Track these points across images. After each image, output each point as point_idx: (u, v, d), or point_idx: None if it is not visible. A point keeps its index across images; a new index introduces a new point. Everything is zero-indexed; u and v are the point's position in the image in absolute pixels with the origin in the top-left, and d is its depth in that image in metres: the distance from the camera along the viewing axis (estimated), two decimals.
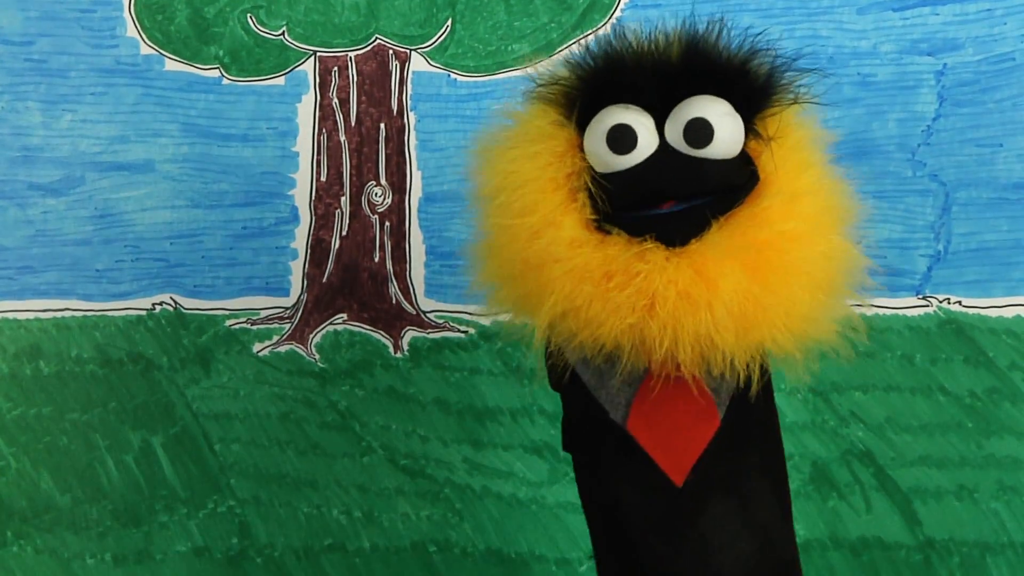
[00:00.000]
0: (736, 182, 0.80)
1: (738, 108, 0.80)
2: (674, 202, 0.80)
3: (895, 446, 1.32)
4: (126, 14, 1.38)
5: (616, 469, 0.87)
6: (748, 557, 0.86)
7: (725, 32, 0.83)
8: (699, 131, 0.79)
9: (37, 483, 1.37)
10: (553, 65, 0.85)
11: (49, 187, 1.38)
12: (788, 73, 0.83)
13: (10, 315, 1.38)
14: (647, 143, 0.80)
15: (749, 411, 0.85)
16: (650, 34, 0.83)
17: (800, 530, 1.31)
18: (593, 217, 0.80)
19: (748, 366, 0.80)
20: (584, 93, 0.82)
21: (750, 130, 0.81)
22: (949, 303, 1.34)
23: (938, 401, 1.33)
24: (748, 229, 0.79)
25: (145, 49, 1.38)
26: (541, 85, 0.85)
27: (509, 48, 1.37)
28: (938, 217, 1.34)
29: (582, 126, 0.82)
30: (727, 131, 0.79)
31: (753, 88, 0.81)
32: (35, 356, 1.38)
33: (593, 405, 0.86)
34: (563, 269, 0.80)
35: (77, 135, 1.39)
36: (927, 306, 1.34)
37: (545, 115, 0.83)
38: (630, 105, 0.80)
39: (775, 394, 0.90)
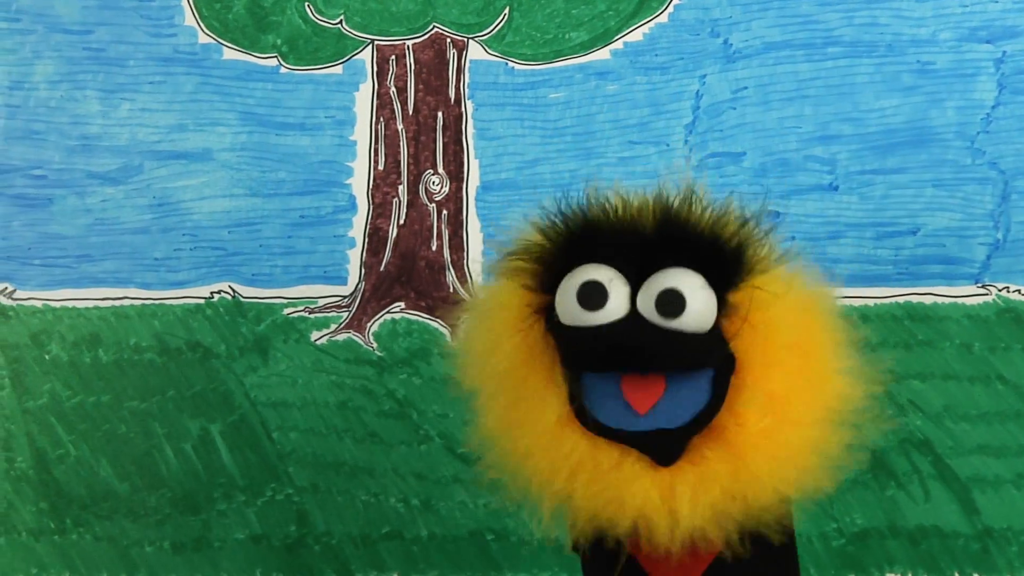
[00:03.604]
0: (707, 361, 0.78)
1: (711, 281, 0.77)
2: (644, 397, 0.78)
3: (953, 435, 1.32)
4: (184, 3, 1.39)
5: None
6: None
7: (698, 202, 0.80)
8: (671, 303, 0.76)
9: (96, 471, 1.37)
10: (524, 233, 0.83)
11: (107, 176, 1.39)
12: (762, 242, 0.80)
13: (69, 304, 1.38)
14: (618, 305, 0.77)
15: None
16: (623, 201, 0.80)
17: (858, 519, 1.31)
18: (573, 405, 0.79)
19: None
20: (556, 256, 0.80)
21: (723, 304, 0.78)
22: (1008, 291, 1.33)
23: (997, 390, 1.32)
24: (726, 436, 0.77)
25: (203, 38, 1.39)
26: (512, 256, 0.82)
27: (566, 36, 1.37)
28: (997, 205, 1.33)
29: (552, 289, 0.79)
30: (700, 303, 0.76)
31: (726, 261, 0.78)
32: (94, 344, 1.38)
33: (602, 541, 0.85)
34: (544, 459, 0.78)
35: (135, 124, 1.39)
36: (986, 295, 1.33)
37: (513, 287, 0.81)
38: (603, 265, 0.78)
39: None
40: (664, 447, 0.78)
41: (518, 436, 0.80)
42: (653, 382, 0.78)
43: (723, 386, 0.78)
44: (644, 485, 0.77)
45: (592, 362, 0.78)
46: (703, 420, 0.78)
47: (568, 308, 0.78)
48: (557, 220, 0.82)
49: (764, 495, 0.78)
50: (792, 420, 0.78)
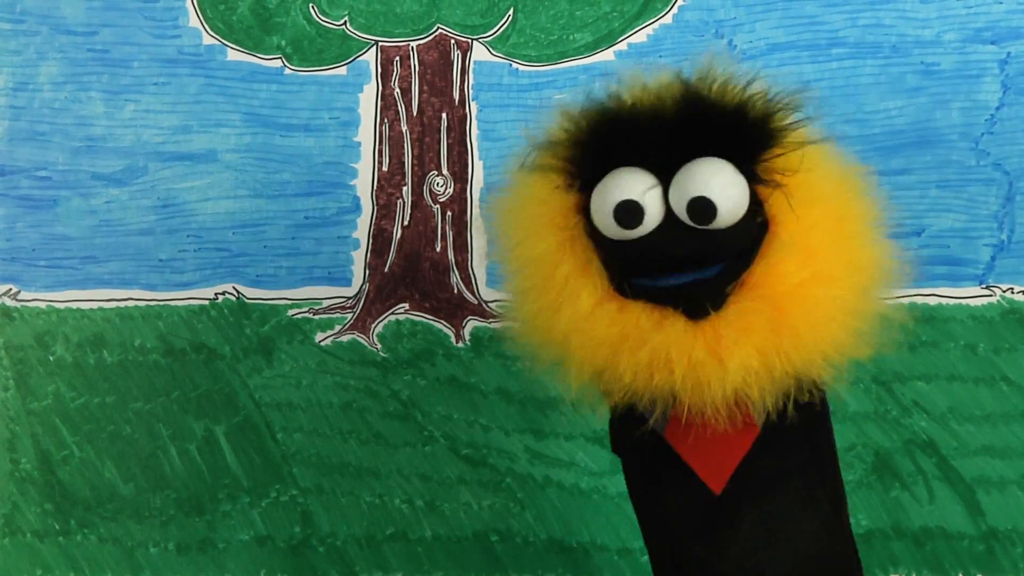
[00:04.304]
0: (746, 241, 0.80)
1: (740, 159, 0.79)
2: (682, 272, 0.80)
3: (958, 436, 1.32)
4: (188, 4, 1.38)
5: (656, 475, 0.87)
6: (794, 566, 0.85)
7: (718, 79, 0.81)
8: (702, 211, 0.78)
9: (101, 472, 1.37)
10: (548, 128, 0.84)
11: (112, 177, 1.39)
12: (787, 110, 0.81)
13: (73, 305, 1.39)
14: (654, 215, 0.79)
15: (792, 417, 0.84)
16: (642, 89, 0.81)
17: (863, 520, 1.31)
18: (609, 282, 0.81)
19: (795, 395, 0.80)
20: (584, 157, 0.81)
21: (755, 178, 0.79)
22: (1013, 292, 1.33)
23: (1001, 391, 1.32)
24: (764, 288, 0.79)
25: (207, 39, 1.39)
26: (538, 151, 0.84)
27: (571, 37, 1.37)
28: (1001, 206, 1.33)
29: (585, 189, 0.81)
30: (731, 202, 0.78)
31: (751, 135, 0.80)
32: (98, 345, 1.38)
33: (634, 410, 0.86)
34: (582, 340, 0.80)
35: (140, 125, 1.39)
36: (990, 295, 1.33)
37: (545, 183, 0.83)
38: (634, 169, 0.79)
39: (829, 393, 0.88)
40: (703, 296, 0.78)
41: (555, 321, 0.81)
42: None
43: (757, 242, 0.79)
44: (689, 339, 0.78)
45: (635, 270, 0.80)
46: (736, 274, 0.79)
47: (606, 225, 0.79)
48: (581, 117, 0.82)
49: (803, 349, 0.78)
50: (827, 276, 0.79)
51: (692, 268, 0.79)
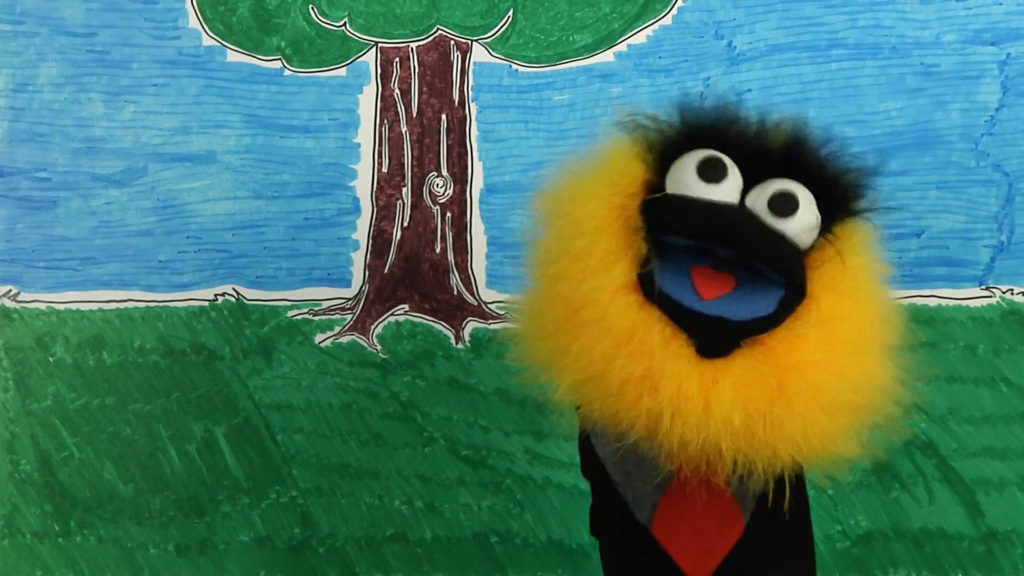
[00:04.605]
0: (791, 270, 0.78)
1: (821, 203, 0.79)
2: (712, 288, 0.78)
3: (958, 437, 1.32)
4: (188, 5, 1.38)
5: (639, 566, 0.87)
6: None
7: (830, 142, 0.81)
8: (786, 203, 0.77)
9: (100, 473, 1.37)
10: (654, 112, 0.83)
11: (112, 178, 1.39)
12: (868, 193, 0.81)
13: (73, 306, 1.38)
14: (731, 189, 0.78)
15: (776, 512, 0.83)
16: (760, 114, 0.82)
17: (862, 521, 1.31)
18: (641, 271, 0.78)
19: (767, 474, 0.79)
20: (681, 140, 0.80)
21: (821, 234, 0.79)
22: (1012, 294, 1.33)
23: (1001, 392, 1.33)
24: (777, 353, 0.77)
25: (207, 40, 1.39)
26: (641, 125, 0.83)
27: (570, 38, 1.37)
28: (1001, 207, 1.33)
29: (662, 172, 0.80)
30: (810, 215, 0.78)
31: (836, 198, 0.80)
32: (98, 347, 1.38)
33: (620, 502, 0.86)
34: (592, 321, 0.77)
35: (139, 126, 1.39)
36: (990, 297, 1.33)
37: (627, 151, 0.81)
38: (723, 155, 0.79)
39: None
40: (716, 334, 0.77)
41: (577, 291, 0.78)
42: (724, 279, 0.78)
43: (788, 310, 0.78)
44: (686, 368, 0.76)
45: (690, 226, 0.78)
46: (760, 326, 0.78)
47: (683, 177, 0.78)
48: (691, 110, 0.82)
49: (791, 427, 0.77)
50: (839, 371, 0.78)
51: (742, 251, 0.77)
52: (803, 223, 0.78)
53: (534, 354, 0.83)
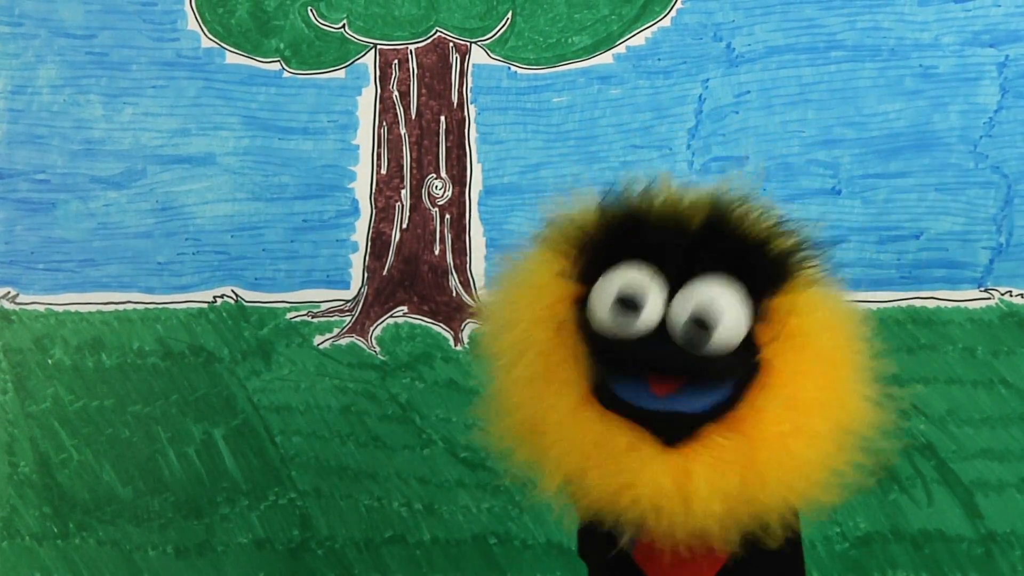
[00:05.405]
0: (734, 371, 0.78)
1: (751, 287, 0.78)
2: (666, 386, 0.78)
3: (957, 439, 1.32)
4: (187, 7, 1.39)
5: None
6: None
7: (749, 207, 0.80)
8: (707, 318, 0.76)
9: (99, 475, 1.37)
10: (567, 208, 0.82)
11: (111, 180, 1.39)
12: (808, 253, 0.80)
13: (72, 308, 1.39)
14: (651, 312, 0.77)
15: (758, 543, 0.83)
16: (673, 195, 0.80)
17: (861, 523, 1.31)
18: (593, 384, 0.79)
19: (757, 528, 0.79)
20: (598, 248, 0.80)
21: (760, 310, 0.78)
22: (1011, 295, 1.33)
23: (1000, 394, 1.32)
24: (744, 429, 0.77)
25: (206, 42, 1.39)
26: (555, 234, 0.82)
27: (569, 40, 1.37)
28: (1000, 209, 1.33)
29: (588, 281, 0.79)
30: (732, 322, 0.76)
31: (768, 271, 0.78)
32: (97, 348, 1.38)
33: (601, 524, 0.85)
34: (559, 439, 0.78)
35: (138, 128, 1.39)
36: (989, 299, 1.33)
37: (550, 265, 0.81)
38: (643, 265, 0.78)
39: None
40: (675, 427, 0.77)
41: (536, 412, 0.79)
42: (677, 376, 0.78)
43: (745, 387, 0.78)
44: (657, 469, 0.77)
45: (621, 367, 0.78)
46: (719, 411, 0.77)
47: (602, 315, 0.78)
48: (604, 208, 0.81)
49: (770, 498, 0.77)
50: (810, 432, 0.77)
51: (678, 379, 0.77)
52: (727, 332, 0.76)
53: (512, 453, 0.84)
